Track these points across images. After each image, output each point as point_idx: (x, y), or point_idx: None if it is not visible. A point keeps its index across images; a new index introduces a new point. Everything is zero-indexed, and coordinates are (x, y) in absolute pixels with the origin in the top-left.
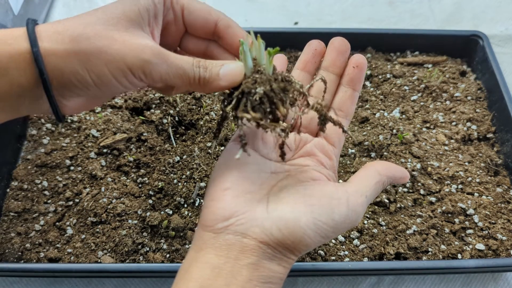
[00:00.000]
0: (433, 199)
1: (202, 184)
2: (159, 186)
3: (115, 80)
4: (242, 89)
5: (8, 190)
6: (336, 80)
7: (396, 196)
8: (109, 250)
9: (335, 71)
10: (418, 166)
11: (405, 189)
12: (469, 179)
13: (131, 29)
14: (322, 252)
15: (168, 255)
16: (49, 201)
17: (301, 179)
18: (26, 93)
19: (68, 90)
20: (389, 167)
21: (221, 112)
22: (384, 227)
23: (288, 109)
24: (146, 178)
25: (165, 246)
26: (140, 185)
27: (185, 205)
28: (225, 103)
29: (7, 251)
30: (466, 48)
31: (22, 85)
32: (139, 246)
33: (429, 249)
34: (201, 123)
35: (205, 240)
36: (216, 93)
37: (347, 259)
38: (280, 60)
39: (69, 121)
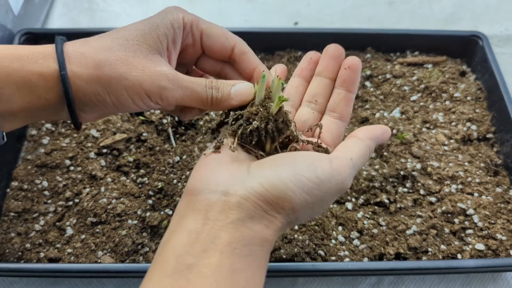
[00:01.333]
0: (433, 199)
1: None
2: (159, 186)
3: (133, 103)
4: (243, 113)
5: (8, 190)
6: (330, 84)
7: (396, 196)
8: (109, 250)
9: (328, 76)
10: (418, 166)
11: (405, 189)
12: (469, 179)
13: (150, 55)
14: (322, 252)
15: None
16: (49, 201)
17: None
18: (50, 106)
19: (88, 107)
20: (368, 129)
21: (218, 122)
22: (384, 227)
23: (274, 147)
24: (146, 178)
25: None
26: (140, 185)
27: None
28: (223, 117)
29: (7, 251)
30: (466, 48)
31: (48, 100)
32: (139, 246)
33: (429, 249)
34: (201, 123)
35: (186, 206)
36: None
37: (347, 259)
38: (279, 69)
39: (68, 121)
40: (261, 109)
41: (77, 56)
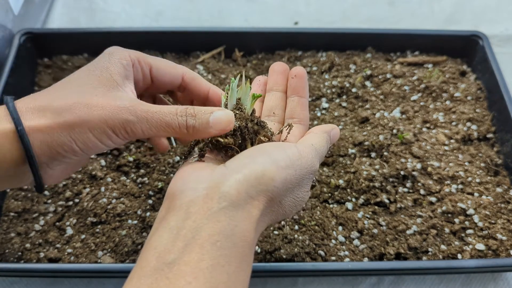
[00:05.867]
0: (433, 199)
1: None
2: (159, 186)
3: (101, 143)
4: None
5: (8, 190)
6: (283, 96)
7: (396, 196)
8: (109, 250)
9: (279, 89)
10: (418, 166)
11: (405, 189)
12: (469, 179)
13: (108, 93)
14: (322, 252)
15: None
16: (49, 201)
17: None
18: (12, 168)
19: (56, 160)
20: (321, 126)
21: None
22: (384, 227)
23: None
24: (146, 178)
25: None
26: (140, 185)
27: None
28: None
29: (7, 251)
30: (466, 48)
31: (13, 161)
32: (139, 246)
33: (429, 249)
34: None
35: (167, 208)
36: None
37: (347, 259)
38: (261, 80)
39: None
40: (238, 112)
41: (31, 111)
